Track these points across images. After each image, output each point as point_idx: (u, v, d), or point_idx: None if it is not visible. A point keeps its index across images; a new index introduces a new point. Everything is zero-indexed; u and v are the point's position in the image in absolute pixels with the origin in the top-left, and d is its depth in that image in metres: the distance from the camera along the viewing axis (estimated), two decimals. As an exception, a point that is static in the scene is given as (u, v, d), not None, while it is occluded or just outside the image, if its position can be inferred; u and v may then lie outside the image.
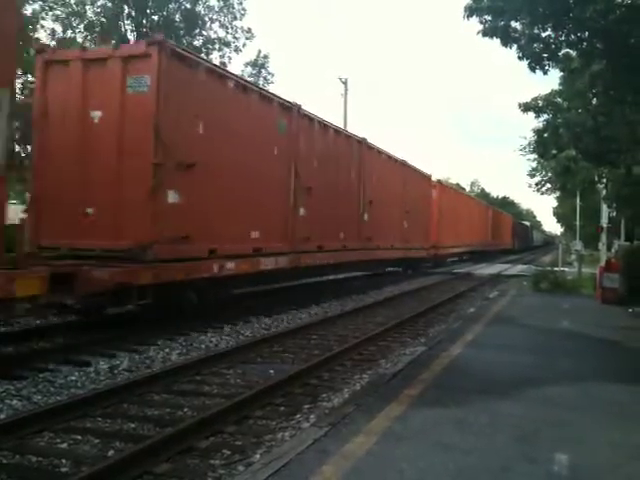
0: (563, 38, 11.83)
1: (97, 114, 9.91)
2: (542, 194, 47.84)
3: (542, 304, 15.98)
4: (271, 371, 8.28)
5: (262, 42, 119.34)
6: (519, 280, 25.03)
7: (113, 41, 19.27)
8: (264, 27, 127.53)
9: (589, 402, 6.45)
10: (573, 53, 13.57)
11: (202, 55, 22.18)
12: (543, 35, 11.71)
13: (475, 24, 11.46)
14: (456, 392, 6.51)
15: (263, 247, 12.74)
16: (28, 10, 23.18)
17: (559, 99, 20.93)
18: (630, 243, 23.87)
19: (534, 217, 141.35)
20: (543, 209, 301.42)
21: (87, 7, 26.72)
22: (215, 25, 30.62)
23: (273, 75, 34.01)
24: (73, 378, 7.49)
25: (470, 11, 11.22)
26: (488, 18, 11.34)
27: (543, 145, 22.64)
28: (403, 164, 23.97)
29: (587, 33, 11.63)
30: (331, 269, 17.97)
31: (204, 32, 30.49)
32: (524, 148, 38.46)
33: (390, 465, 4.47)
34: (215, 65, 12.47)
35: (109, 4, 26.38)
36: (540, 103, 21.21)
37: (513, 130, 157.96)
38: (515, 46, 11.79)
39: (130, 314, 10.86)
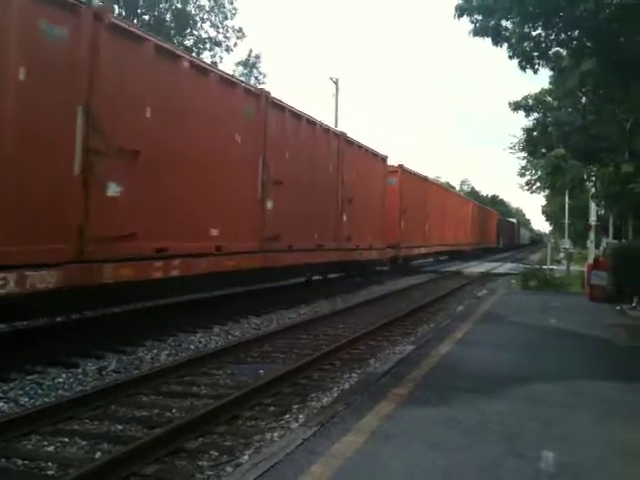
0: (553, 37, 11.89)
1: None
2: (532, 193, 48.16)
3: (531, 302, 16.03)
4: (261, 371, 8.25)
5: (253, 42, 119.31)
6: (508, 278, 25.11)
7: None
8: (255, 27, 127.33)
9: (577, 400, 6.46)
10: (563, 52, 13.63)
11: (193, 54, 22.09)
12: (533, 34, 11.77)
13: (466, 24, 11.50)
14: (445, 391, 6.51)
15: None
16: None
17: (549, 98, 21.04)
18: (618, 241, 23.98)
19: (523, 215, 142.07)
20: (532, 208, 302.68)
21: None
22: (206, 25, 30.71)
23: (265, 75, 34.07)
24: (61, 380, 7.45)
25: (461, 11, 11.25)
26: (479, 17, 11.37)
27: (532, 144, 22.78)
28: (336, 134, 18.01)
29: (577, 32, 11.69)
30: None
31: (195, 32, 30.52)
32: (514, 147, 38.67)
33: (379, 464, 4.46)
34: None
35: (100, 2, 26.22)
36: (530, 102, 21.32)
37: (504, 129, 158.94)
38: (505, 45, 11.83)
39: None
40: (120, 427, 5.89)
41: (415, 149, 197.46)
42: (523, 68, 12.18)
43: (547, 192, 47.94)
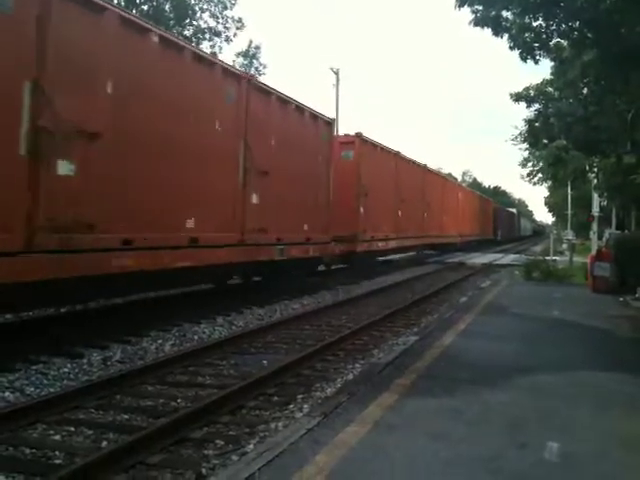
0: (554, 28, 11.88)
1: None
2: (534, 184, 48.04)
3: (534, 293, 16.06)
4: (264, 361, 8.30)
5: (253, 33, 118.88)
6: (511, 269, 25.12)
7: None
8: (255, 17, 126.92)
9: (579, 390, 6.50)
10: (564, 43, 13.61)
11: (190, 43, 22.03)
12: (534, 25, 11.74)
13: (466, 14, 11.49)
14: (448, 381, 6.55)
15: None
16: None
17: (550, 89, 20.98)
18: (621, 232, 23.98)
19: (526, 207, 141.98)
20: (535, 199, 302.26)
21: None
22: (205, 15, 30.60)
23: (265, 66, 34.00)
24: (66, 370, 7.50)
25: (461, 1, 11.22)
26: (479, 8, 11.35)
27: (534, 135, 22.74)
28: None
29: (578, 23, 11.67)
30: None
31: (194, 22, 30.43)
32: (515, 138, 38.57)
33: (382, 454, 4.50)
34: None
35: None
36: (532, 93, 21.27)
37: (506, 120, 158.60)
38: (506, 36, 11.82)
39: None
40: (126, 417, 5.94)
41: (416, 140, 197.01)
42: (524, 59, 12.17)
43: (549, 183, 47.87)
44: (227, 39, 31.13)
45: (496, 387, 6.41)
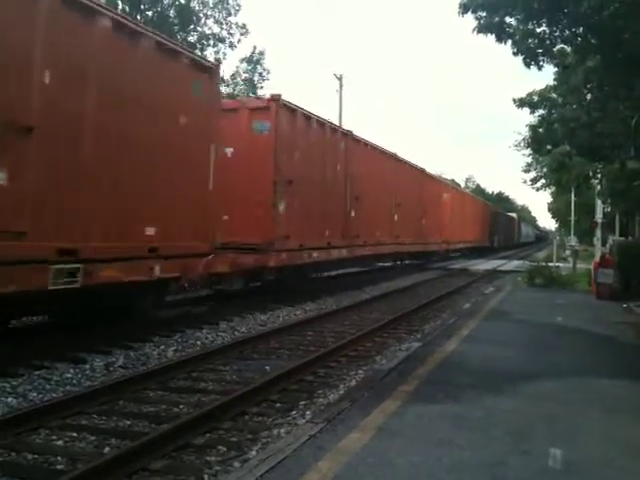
0: (557, 34, 11.87)
1: None
2: (537, 190, 47.92)
3: (537, 299, 16.02)
4: (267, 367, 8.29)
5: (257, 38, 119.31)
6: (514, 276, 25.08)
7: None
8: (259, 23, 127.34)
9: (584, 397, 6.48)
10: (568, 49, 13.61)
11: (196, 51, 22.16)
12: (538, 31, 11.74)
13: (469, 21, 11.50)
14: (451, 388, 6.53)
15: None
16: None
17: (554, 94, 20.97)
18: (625, 238, 23.92)
19: (529, 213, 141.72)
20: (538, 205, 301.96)
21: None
22: (210, 21, 30.74)
23: (269, 72, 34.09)
24: (69, 375, 7.50)
25: (464, 8, 11.24)
26: (483, 14, 11.36)
27: (538, 141, 22.71)
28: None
29: (581, 29, 11.67)
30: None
31: (199, 28, 30.55)
32: (519, 144, 38.56)
33: (385, 460, 4.48)
34: None
35: (103, 0, 26.26)
36: (535, 98, 21.26)
37: (508, 126, 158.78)
38: (510, 42, 11.82)
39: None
40: (128, 422, 5.93)
41: (419, 146, 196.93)
42: (527, 65, 12.17)
43: (553, 189, 47.77)
44: (231, 45, 31.24)
45: (500, 393, 6.39)
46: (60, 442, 5.34)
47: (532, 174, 46.64)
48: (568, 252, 33.64)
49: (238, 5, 30.83)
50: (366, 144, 19.70)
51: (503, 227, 59.74)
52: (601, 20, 10.56)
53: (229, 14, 30.81)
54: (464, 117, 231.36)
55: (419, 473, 4.32)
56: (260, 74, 33.82)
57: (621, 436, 5.23)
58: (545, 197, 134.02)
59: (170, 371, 7.67)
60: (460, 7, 11.28)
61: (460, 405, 5.93)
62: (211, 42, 30.85)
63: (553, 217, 75.74)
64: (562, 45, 12.84)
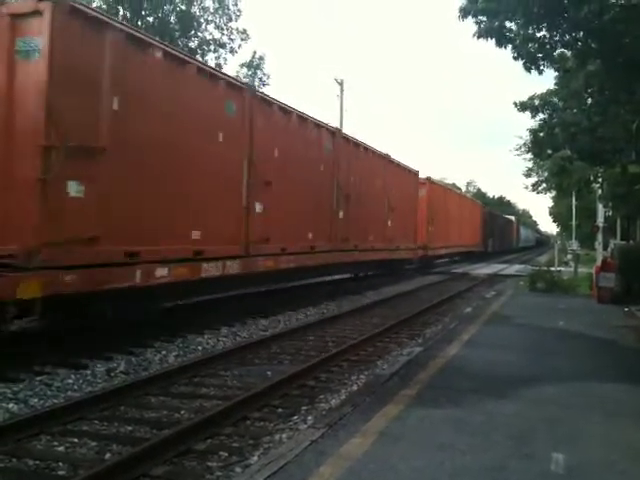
0: (558, 38, 11.86)
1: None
2: (538, 194, 47.99)
3: (538, 304, 16.01)
4: (268, 372, 8.29)
5: (257, 43, 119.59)
6: (515, 280, 25.07)
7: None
8: (259, 28, 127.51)
9: (585, 401, 6.47)
10: (568, 53, 13.61)
11: (197, 57, 22.20)
12: (538, 35, 11.74)
13: (469, 26, 11.50)
14: (452, 392, 6.52)
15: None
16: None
17: (555, 99, 20.97)
18: (626, 242, 23.92)
19: (530, 217, 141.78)
20: (539, 209, 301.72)
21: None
22: (210, 26, 30.71)
23: (269, 77, 34.08)
24: (70, 381, 7.49)
25: (464, 12, 11.24)
26: (483, 19, 11.37)
27: (539, 145, 22.70)
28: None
29: (582, 33, 11.66)
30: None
31: (199, 33, 30.56)
32: (520, 148, 38.62)
33: (387, 465, 4.48)
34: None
35: (104, 6, 26.36)
36: (536, 102, 21.26)
37: (509, 130, 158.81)
38: (510, 46, 11.82)
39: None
40: (129, 428, 5.93)
41: (420, 151, 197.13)
42: (528, 69, 12.16)
43: (554, 194, 47.82)
44: (232, 50, 31.25)
45: (501, 397, 6.38)
46: (61, 448, 5.34)
47: (533, 179, 46.76)
48: (569, 256, 33.61)
49: (239, 10, 30.86)
50: (305, 119, 15.07)
51: (499, 230, 55.81)
52: (601, 24, 10.56)
53: (230, 19, 30.84)
54: (465, 121, 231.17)
55: (421, 478, 4.31)
56: (260, 79, 33.82)
57: (622, 440, 5.23)
58: (546, 201, 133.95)
59: (172, 376, 7.66)
60: (460, 12, 11.29)
61: (462, 409, 5.93)
62: (212, 47, 30.90)
63: (554, 221, 75.80)
64: (562, 49, 12.84)
